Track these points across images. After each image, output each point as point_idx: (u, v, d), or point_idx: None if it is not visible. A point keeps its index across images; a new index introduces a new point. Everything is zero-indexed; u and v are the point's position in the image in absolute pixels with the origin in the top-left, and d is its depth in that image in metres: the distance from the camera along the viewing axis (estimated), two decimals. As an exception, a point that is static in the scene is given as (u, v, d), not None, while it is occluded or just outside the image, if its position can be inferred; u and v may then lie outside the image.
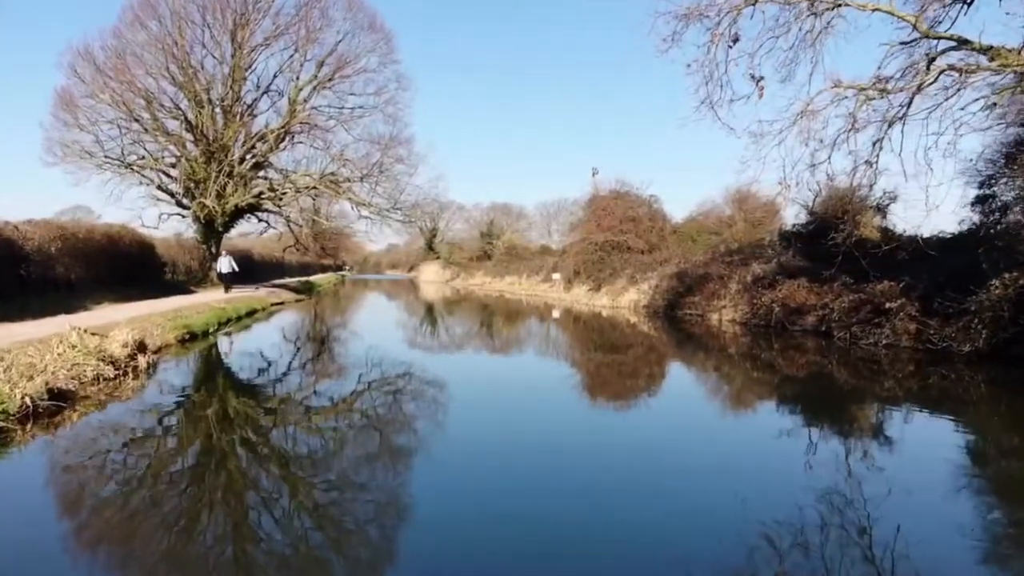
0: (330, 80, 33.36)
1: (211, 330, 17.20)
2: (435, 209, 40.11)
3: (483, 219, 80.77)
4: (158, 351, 12.94)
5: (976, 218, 17.98)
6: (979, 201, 17.64)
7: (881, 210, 22.23)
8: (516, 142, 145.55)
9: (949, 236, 18.74)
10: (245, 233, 43.08)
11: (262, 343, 17.07)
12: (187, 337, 15.14)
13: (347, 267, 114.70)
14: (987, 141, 16.42)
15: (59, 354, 9.71)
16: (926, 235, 22.26)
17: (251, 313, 23.78)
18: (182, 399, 9.69)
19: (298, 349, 16.52)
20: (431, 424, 8.83)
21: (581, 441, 8.18)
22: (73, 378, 9.10)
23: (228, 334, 17.83)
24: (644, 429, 9.07)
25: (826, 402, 10.95)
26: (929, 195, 11.88)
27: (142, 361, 11.26)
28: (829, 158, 12.34)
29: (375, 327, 24.24)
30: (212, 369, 13.01)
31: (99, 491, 5.82)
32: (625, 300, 28.69)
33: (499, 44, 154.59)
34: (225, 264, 28.69)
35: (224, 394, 10.37)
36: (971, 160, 17.65)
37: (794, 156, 11.94)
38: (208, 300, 23.01)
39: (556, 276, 41.98)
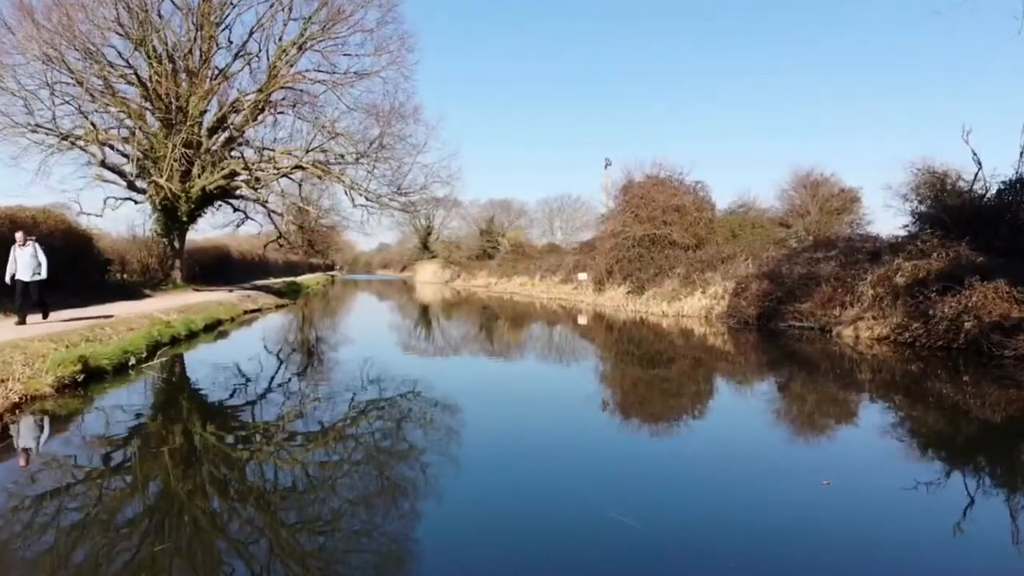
0: (321, 36, 27.30)
1: (133, 361, 10.99)
2: (448, 193, 34.03)
3: (481, 216, 75.23)
4: (5, 414, 7.03)
5: None
6: None
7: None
8: (514, 136, 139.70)
9: None
10: (220, 225, 37.04)
11: (211, 383, 11.01)
12: (80, 379, 9.15)
13: (338, 267, 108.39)
14: None
15: None
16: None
17: (213, 326, 17.79)
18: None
19: (267, 399, 10.57)
20: None
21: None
22: None
23: (155, 368, 11.06)
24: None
25: None
26: None
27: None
28: None
29: (382, 348, 18.31)
30: (87, 465, 6.61)
31: None
32: (690, 306, 22.88)
33: (495, 35, 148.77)
34: (22, 262, 12.77)
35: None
36: None
37: None
38: (156, 309, 17.11)
39: (582, 276, 36.44)
